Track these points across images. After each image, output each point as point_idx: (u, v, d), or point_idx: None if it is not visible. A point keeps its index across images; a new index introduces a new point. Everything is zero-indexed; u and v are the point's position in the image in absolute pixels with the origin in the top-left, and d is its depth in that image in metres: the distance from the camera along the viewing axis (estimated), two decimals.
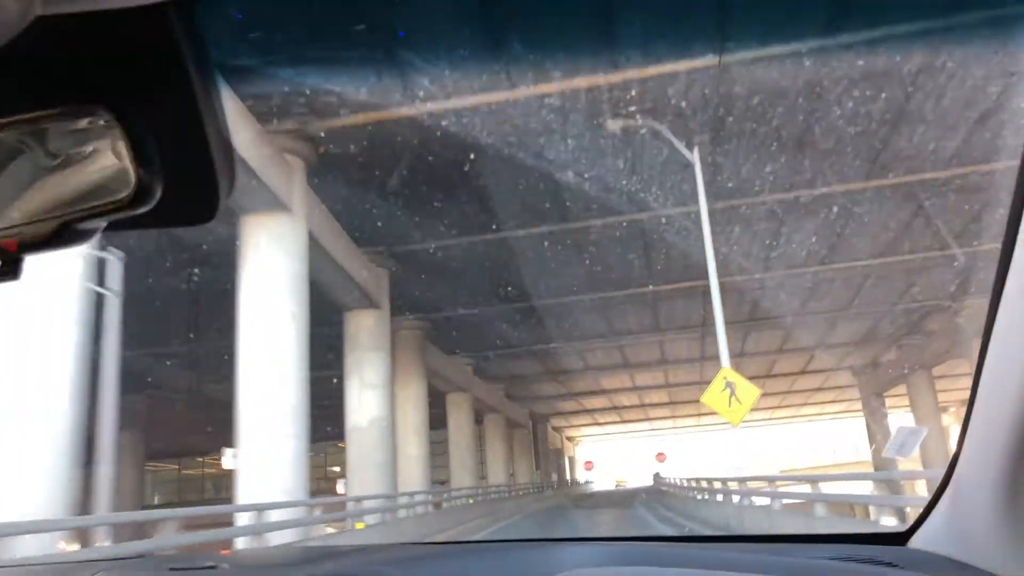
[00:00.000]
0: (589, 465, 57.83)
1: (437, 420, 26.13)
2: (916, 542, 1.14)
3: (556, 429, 54.09)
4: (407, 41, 9.42)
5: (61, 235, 0.61)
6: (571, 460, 62.51)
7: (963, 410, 1.03)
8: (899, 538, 1.17)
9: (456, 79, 10.37)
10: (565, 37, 9.82)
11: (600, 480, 59.41)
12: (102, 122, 0.60)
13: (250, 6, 8.48)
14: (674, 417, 48.92)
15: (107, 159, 0.61)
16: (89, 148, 0.62)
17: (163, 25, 0.57)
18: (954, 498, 1.06)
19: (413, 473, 20.82)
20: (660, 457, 41.92)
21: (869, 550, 1.15)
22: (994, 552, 0.94)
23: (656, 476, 39.17)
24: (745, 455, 52.45)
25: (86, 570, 1.36)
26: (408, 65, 9.81)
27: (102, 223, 0.62)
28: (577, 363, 30.54)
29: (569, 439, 61.24)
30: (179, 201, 0.64)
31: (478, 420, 31.84)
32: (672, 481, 29.41)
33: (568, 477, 58.69)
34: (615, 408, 45.99)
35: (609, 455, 65.71)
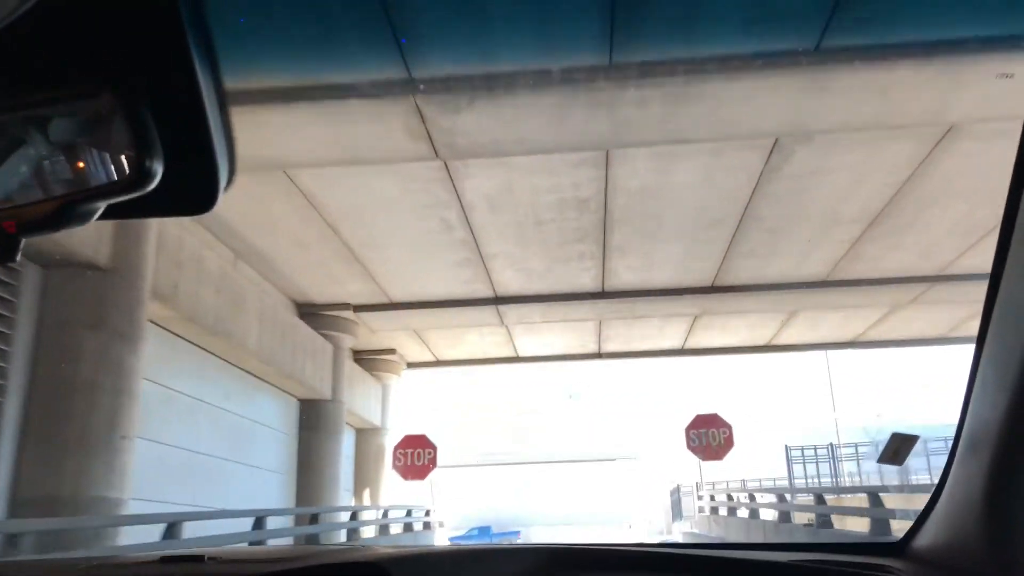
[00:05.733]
0: (407, 465, 15.98)
1: None
2: (910, 551, 1.14)
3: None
4: None
5: (60, 216, 0.61)
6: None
7: None
8: (893, 547, 1.17)
9: None
10: None
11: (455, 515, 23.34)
12: (103, 105, 0.61)
13: None
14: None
15: (107, 142, 0.62)
16: (89, 130, 0.63)
17: (167, 9, 0.57)
18: (947, 508, 1.06)
19: None
20: (703, 445, 14.64)
21: (864, 559, 1.15)
22: (985, 561, 0.95)
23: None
24: None
25: (85, 563, 1.36)
26: None
27: (101, 205, 0.63)
28: None
29: (367, 361, 15.86)
30: (178, 188, 0.64)
31: None
32: None
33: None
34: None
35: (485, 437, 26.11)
